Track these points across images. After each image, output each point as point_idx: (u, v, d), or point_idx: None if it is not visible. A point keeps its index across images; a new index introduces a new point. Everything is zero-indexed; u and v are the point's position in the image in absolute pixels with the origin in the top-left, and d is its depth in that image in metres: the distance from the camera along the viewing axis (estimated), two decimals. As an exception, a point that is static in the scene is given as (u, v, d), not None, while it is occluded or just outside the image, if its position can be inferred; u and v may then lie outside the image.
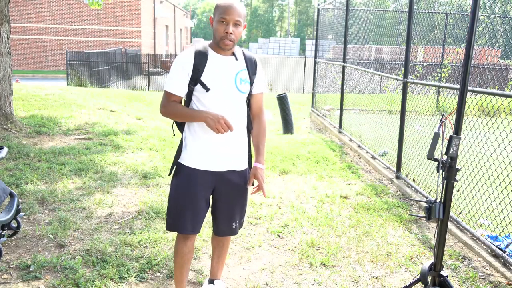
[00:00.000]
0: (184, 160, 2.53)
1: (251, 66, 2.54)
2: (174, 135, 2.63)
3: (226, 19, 2.35)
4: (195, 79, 2.41)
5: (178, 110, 2.47)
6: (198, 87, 2.42)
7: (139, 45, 31.02)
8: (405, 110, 5.58)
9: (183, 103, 2.53)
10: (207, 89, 2.41)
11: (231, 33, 2.35)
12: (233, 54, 2.48)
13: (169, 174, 2.61)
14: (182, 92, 2.46)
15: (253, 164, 2.60)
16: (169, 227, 2.59)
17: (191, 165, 2.51)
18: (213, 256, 2.89)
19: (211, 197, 2.62)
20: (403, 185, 5.30)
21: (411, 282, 2.58)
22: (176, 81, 2.44)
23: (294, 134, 8.80)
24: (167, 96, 2.48)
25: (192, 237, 2.61)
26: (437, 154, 2.35)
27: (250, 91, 2.56)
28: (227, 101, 2.45)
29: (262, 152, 2.59)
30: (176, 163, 2.57)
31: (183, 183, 2.52)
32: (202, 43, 2.51)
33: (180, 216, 2.53)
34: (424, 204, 2.37)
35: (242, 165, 2.61)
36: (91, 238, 3.64)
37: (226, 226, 2.67)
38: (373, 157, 6.56)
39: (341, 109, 8.48)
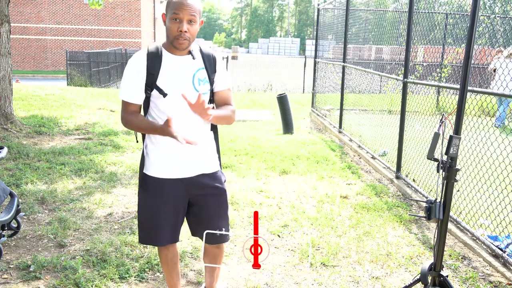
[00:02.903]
0: (149, 170, 2.36)
1: (210, 64, 2.33)
2: (137, 141, 2.52)
3: (179, 16, 2.13)
4: (150, 84, 2.22)
5: (138, 123, 2.27)
6: (155, 92, 2.23)
7: (139, 45, 31.01)
8: (405, 110, 5.58)
9: (141, 110, 2.36)
10: (164, 94, 2.22)
11: (185, 32, 2.14)
12: (190, 52, 2.27)
13: (139, 186, 2.44)
14: (139, 99, 2.26)
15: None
16: (142, 241, 2.46)
17: (157, 175, 2.33)
18: (205, 271, 2.72)
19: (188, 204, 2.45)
20: (403, 185, 5.30)
21: (411, 282, 2.58)
22: (131, 88, 2.24)
23: (294, 134, 8.80)
24: (125, 105, 2.28)
25: (172, 244, 2.51)
26: (437, 154, 2.35)
27: (212, 90, 2.38)
28: (186, 105, 2.22)
29: (218, 111, 2.32)
30: (141, 174, 2.40)
31: (151, 196, 2.35)
32: (154, 44, 2.30)
33: (154, 230, 2.39)
34: (424, 204, 2.37)
35: (212, 167, 2.43)
36: (91, 238, 3.64)
37: (214, 233, 2.46)
38: (373, 157, 6.56)
39: (341, 109, 8.48)
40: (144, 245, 3.55)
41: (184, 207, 2.41)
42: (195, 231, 2.52)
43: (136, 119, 2.27)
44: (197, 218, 2.46)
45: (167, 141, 2.28)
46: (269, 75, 22.49)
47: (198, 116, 2.26)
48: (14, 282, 2.98)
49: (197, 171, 2.36)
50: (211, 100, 2.40)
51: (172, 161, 2.31)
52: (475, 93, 3.89)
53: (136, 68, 2.23)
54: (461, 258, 3.65)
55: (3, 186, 3.30)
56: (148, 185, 2.36)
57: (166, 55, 2.25)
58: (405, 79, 5.50)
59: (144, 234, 2.44)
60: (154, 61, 2.22)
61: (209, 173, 2.40)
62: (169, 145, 2.29)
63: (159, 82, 2.21)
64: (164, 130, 2.14)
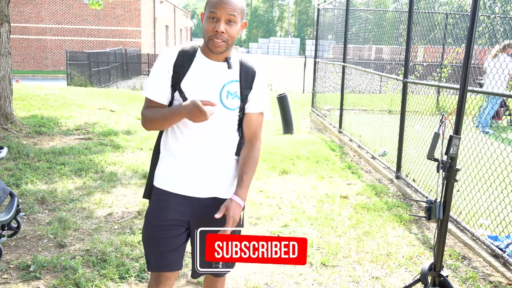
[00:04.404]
0: (157, 181, 2.08)
1: (246, 78, 2.04)
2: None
3: (216, 15, 1.89)
4: (174, 84, 1.99)
5: (153, 115, 2.00)
6: (176, 94, 2.00)
7: (139, 45, 31.01)
8: (405, 110, 5.58)
9: None
10: (185, 98, 1.96)
11: (222, 32, 1.89)
12: (226, 60, 2.00)
13: (143, 196, 2.17)
14: (164, 98, 2.01)
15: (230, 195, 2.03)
16: (148, 267, 2.13)
17: (163, 187, 2.05)
18: None
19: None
20: (403, 185, 5.30)
21: (411, 282, 2.58)
22: (157, 85, 2.01)
23: (294, 134, 8.80)
24: (147, 103, 2.05)
25: (172, 274, 2.11)
26: (437, 154, 2.35)
27: (244, 108, 2.08)
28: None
29: (244, 184, 2.02)
30: (150, 185, 2.12)
31: (154, 211, 2.06)
32: (191, 43, 2.09)
33: (153, 252, 2.07)
34: (424, 204, 2.37)
35: (229, 192, 2.08)
36: (91, 238, 3.64)
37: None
38: (373, 157, 6.56)
39: (341, 109, 8.48)
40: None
41: (185, 228, 2.09)
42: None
43: (150, 111, 2.01)
44: (192, 244, 2.12)
45: (183, 155, 2.02)
46: (269, 75, 22.51)
47: (221, 133, 2.03)
48: (14, 282, 2.98)
49: (209, 193, 2.05)
50: (240, 120, 2.10)
51: (183, 175, 2.03)
52: (475, 93, 3.89)
53: (164, 64, 2.00)
54: (461, 258, 3.65)
55: (3, 186, 3.30)
56: (152, 199, 2.10)
57: (199, 57, 2.01)
58: (405, 79, 5.50)
59: (146, 257, 2.13)
60: (184, 60, 1.99)
61: (223, 199, 2.07)
62: (185, 159, 2.02)
63: (183, 84, 1.98)
64: (190, 109, 1.85)
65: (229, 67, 1.99)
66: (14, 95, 7.54)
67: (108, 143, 6.63)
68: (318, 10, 11.31)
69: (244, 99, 2.05)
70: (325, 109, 10.51)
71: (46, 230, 3.72)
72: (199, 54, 2.02)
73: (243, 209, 2.06)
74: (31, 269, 3.11)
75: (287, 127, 8.96)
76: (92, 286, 2.95)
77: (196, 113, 1.84)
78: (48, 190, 4.58)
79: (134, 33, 31.20)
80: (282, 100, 9.10)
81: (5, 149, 3.48)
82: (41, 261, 3.18)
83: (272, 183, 5.34)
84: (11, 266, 3.17)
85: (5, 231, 3.29)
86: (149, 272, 3.16)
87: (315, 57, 11.24)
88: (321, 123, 9.79)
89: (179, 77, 1.98)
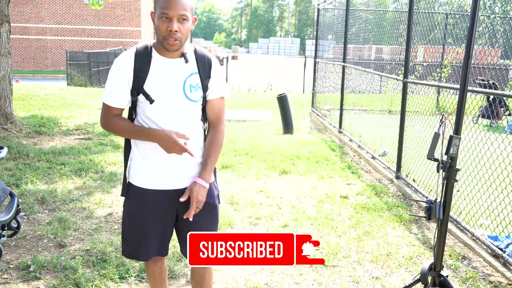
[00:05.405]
0: (133, 179, 2.16)
1: (204, 68, 2.11)
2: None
3: (168, 15, 1.91)
4: (137, 88, 2.02)
5: (121, 128, 2.08)
6: (141, 97, 2.03)
7: (139, 45, 31.00)
8: (405, 110, 5.58)
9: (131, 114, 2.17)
10: (151, 101, 2.02)
11: (176, 31, 1.93)
12: (183, 55, 2.06)
13: (121, 195, 2.24)
14: (122, 103, 2.07)
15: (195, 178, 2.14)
16: (127, 255, 2.26)
17: (140, 185, 2.13)
18: None
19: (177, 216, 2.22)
20: (403, 185, 5.30)
21: (411, 282, 2.58)
22: (115, 90, 2.05)
23: (294, 134, 8.80)
24: (106, 109, 2.09)
25: (161, 258, 2.32)
26: (437, 154, 2.35)
27: (205, 97, 2.15)
28: (175, 113, 2.06)
29: (209, 168, 2.13)
30: (125, 182, 2.20)
31: (135, 207, 2.15)
32: (144, 43, 2.09)
33: (138, 244, 2.19)
34: (424, 204, 2.37)
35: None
36: (91, 238, 3.65)
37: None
38: (373, 157, 6.56)
39: (341, 109, 8.48)
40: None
41: (172, 220, 2.20)
42: (181, 249, 2.30)
43: (119, 123, 2.09)
44: (181, 235, 2.22)
45: (155, 148, 2.07)
46: (269, 75, 22.50)
47: (189, 126, 2.10)
48: (14, 282, 2.98)
49: (185, 184, 2.14)
50: (204, 109, 2.18)
51: (157, 171, 2.11)
52: (475, 93, 3.89)
53: (122, 69, 2.03)
54: (461, 258, 3.65)
55: (3, 186, 3.31)
56: (131, 195, 2.17)
57: (156, 57, 2.05)
58: (405, 79, 5.50)
59: (127, 248, 2.23)
60: (142, 62, 2.02)
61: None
62: (157, 155, 2.09)
63: (146, 86, 2.02)
64: (161, 140, 2.00)
65: (186, 61, 2.06)
66: (14, 95, 7.55)
67: (108, 143, 6.63)
68: (318, 10, 11.31)
69: (205, 89, 2.13)
70: (325, 109, 10.51)
71: (46, 230, 3.72)
72: (155, 54, 2.05)
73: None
74: (31, 269, 3.11)
75: (287, 127, 8.96)
76: (92, 286, 2.95)
77: (173, 147, 1.99)
78: (48, 190, 4.58)
79: (134, 33, 31.20)
80: (282, 100, 9.10)
81: (5, 149, 3.48)
82: (41, 261, 3.18)
83: (272, 183, 5.34)
84: (11, 266, 3.17)
85: (5, 231, 3.29)
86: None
87: (315, 57, 11.24)
88: (321, 123, 9.79)
89: (141, 81, 2.02)
